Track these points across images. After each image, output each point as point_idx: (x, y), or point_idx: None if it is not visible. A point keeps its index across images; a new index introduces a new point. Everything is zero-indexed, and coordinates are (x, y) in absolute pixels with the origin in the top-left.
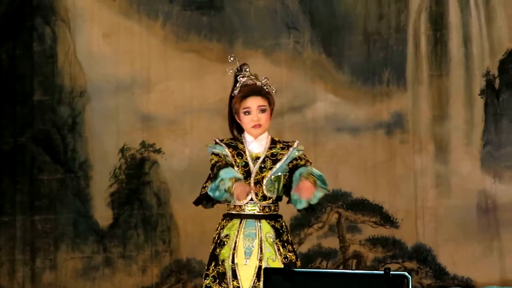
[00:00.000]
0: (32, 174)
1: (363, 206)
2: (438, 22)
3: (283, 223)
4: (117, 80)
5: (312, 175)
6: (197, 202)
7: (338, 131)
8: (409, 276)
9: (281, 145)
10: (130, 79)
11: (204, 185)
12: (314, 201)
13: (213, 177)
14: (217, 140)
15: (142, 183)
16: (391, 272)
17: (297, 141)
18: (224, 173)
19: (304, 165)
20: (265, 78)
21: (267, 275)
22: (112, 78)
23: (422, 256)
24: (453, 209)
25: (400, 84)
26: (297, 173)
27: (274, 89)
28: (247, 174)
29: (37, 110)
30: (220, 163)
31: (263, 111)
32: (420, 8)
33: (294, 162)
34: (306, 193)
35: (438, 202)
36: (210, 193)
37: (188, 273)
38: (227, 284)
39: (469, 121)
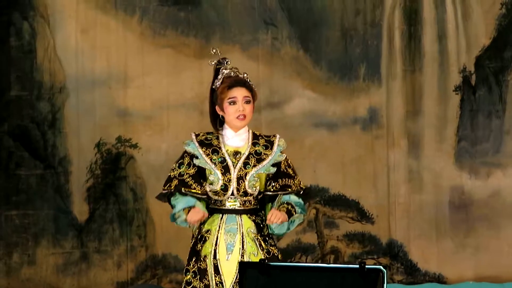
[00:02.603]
0: (9, 169)
1: (340, 202)
2: (412, 18)
3: (264, 218)
4: (94, 75)
5: (292, 204)
6: (158, 198)
7: (315, 127)
8: (384, 270)
9: (264, 142)
10: (107, 74)
11: (166, 184)
12: (279, 231)
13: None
14: (193, 137)
15: (118, 178)
16: (366, 266)
17: (278, 136)
18: (177, 205)
19: (285, 188)
20: (244, 73)
21: (242, 269)
22: (89, 73)
23: (394, 252)
24: (425, 205)
25: (375, 80)
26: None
27: (253, 85)
28: (225, 170)
29: (14, 105)
30: (171, 188)
31: (247, 102)
32: (395, 3)
33: (278, 169)
34: (275, 219)
35: (410, 198)
36: (172, 221)
37: (164, 268)
38: (208, 280)
39: (442, 117)
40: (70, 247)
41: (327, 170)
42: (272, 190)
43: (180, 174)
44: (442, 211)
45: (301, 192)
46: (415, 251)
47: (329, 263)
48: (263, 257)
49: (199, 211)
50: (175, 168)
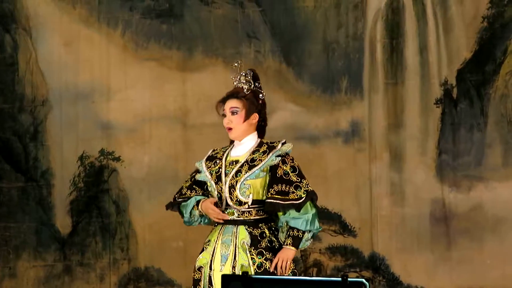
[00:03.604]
0: None
1: (323, 215)
2: (394, 31)
3: (266, 230)
4: (77, 88)
5: (295, 228)
6: (167, 207)
7: (298, 140)
8: (366, 283)
9: (265, 148)
10: (90, 88)
11: (176, 194)
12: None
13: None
14: (210, 151)
15: (100, 190)
16: (348, 279)
17: (283, 141)
18: (186, 208)
19: (286, 204)
20: (258, 82)
21: (225, 282)
22: (72, 86)
23: (376, 265)
24: (407, 218)
25: (357, 93)
26: (283, 222)
27: (263, 95)
28: (217, 179)
29: None
30: (176, 196)
31: (233, 113)
32: (377, 16)
33: (273, 174)
34: (282, 264)
35: (392, 211)
36: (189, 225)
37: (146, 281)
38: None
39: (424, 130)
40: (53, 260)
41: (310, 183)
42: (268, 196)
43: (182, 187)
44: (423, 224)
45: (302, 201)
46: (397, 264)
47: (312, 276)
48: (252, 271)
49: (206, 200)
50: (186, 180)
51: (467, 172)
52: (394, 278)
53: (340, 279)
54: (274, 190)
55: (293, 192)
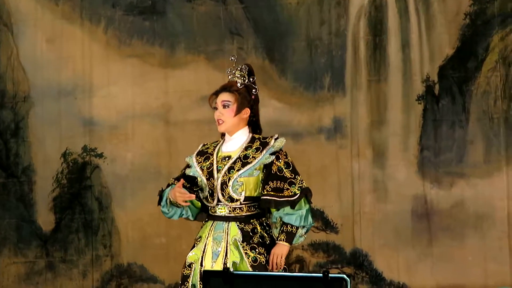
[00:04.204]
0: None
1: None
2: (377, 28)
3: (258, 225)
4: (59, 85)
5: (289, 224)
6: (158, 203)
7: (280, 136)
8: (347, 278)
9: (258, 144)
10: (73, 84)
11: (167, 186)
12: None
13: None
14: (200, 146)
15: (83, 187)
16: (329, 275)
17: (275, 136)
18: (164, 199)
19: (279, 200)
20: (252, 77)
21: (206, 277)
22: (54, 83)
23: (359, 261)
24: (390, 214)
25: (339, 89)
26: (277, 218)
27: (256, 90)
28: (209, 175)
29: None
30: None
31: (225, 106)
32: (360, 13)
33: (268, 172)
34: (275, 259)
35: (375, 207)
36: (167, 215)
37: (129, 278)
38: (186, 287)
39: (406, 126)
40: (34, 257)
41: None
42: (263, 193)
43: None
44: (405, 221)
45: (296, 198)
46: (380, 261)
47: (294, 272)
48: (248, 265)
49: (176, 186)
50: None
51: (449, 168)
52: (377, 274)
53: (321, 275)
54: (270, 187)
55: (287, 189)
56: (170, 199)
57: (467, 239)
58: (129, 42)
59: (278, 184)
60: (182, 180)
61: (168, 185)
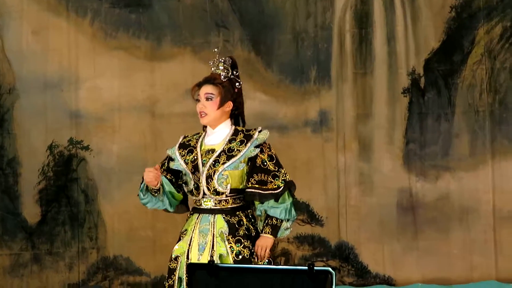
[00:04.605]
0: None
1: None
2: (363, 20)
3: (243, 217)
4: (45, 77)
5: (274, 217)
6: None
7: (267, 129)
8: (332, 271)
9: (242, 137)
10: (59, 77)
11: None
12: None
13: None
14: (180, 139)
15: (69, 180)
16: (315, 268)
17: (259, 128)
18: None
19: (264, 194)
20: (236, 70)
21: (191, 270)
22: (40, 75)
23: (345, 254)
24: (376, 207)
25: (325, 82)
26: (261, 210)
27: (240, 83)
28: (195, 169)
29: None
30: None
31: (208, 99)
32: (346, 6)
33: (253, 165)
34: (261, 252)
35: (361, 200)
36: (145, 204)
37: (115, 270)
38: (173, 281)
39: (391, 119)
40: (19, 249)
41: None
42: (248, 186)
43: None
44: (391, 214)
45: (280, 191)
46: (366, 253)
47: (279, 265)
48: (231, 259)
49: (149, 168)
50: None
51: (434, 161)
52: (362, 267)
53: (306, 268)
54: (254, 180)
55: (271, 182)
56: (146, 185)
57: (453, 232)
58: (115, 34)
59: (262, 177)
60: (157, 165)
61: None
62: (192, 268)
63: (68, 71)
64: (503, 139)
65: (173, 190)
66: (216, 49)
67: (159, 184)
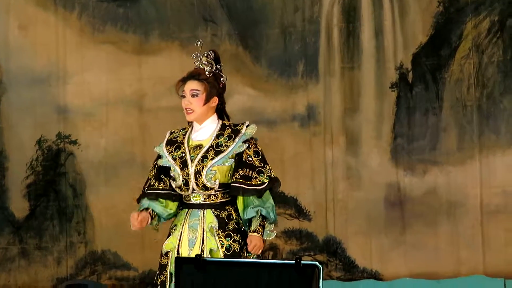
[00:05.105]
0: None
1: (279, 199)
2: (351, 15)
3: (233, 212)
4: (33, 72)
5: (261, 216)
6: (138, 201)
7: (255, 124)
8: (319, 266)
9: (229, 132)
10: (47, 71)
11: (145, 185)
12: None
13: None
14: (167, 135)
15: (57, 174)
16: (302, 262)
17: (246, 123)
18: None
19: (252, 189)
20: (219, 64)
21: (178, 264)
22: (28, 69)
23: (332, 248)
24: (363, 201)
25: (313, 77)
26: (249, 211)
27: (224, 78)
28: (183, 165)
29: None
30: (146, 188)
31: (193, 95)
32: (333, 0)
33: (239, 159)
34: (256, 251)
35: (348, 195)
36: None
37: (103, 265)
38: (165, 277)
39: (379, 114)
40: (6, 243)
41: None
42: (233, 180)
43: (149, 178)
44: (379, 208)
45: (264, 187)
46: (353, 248)
47: (267, 259)
48: (221, 253)
49: (133, 215)
50: (151, 170)
51: (422, 156)
52: (350, 262)
53: (293, 262)
54: (239, 174)
55: (255, 178)
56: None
57: (440, 227)
58: (102, 28)
59: (247, 172)
60: (143, 216)
61: (149, 184)
62: (179, 262)
63: (56, 65)
64: (491, 133)
65: (161, 210)
66: (198, 43)
67: (149, 222)
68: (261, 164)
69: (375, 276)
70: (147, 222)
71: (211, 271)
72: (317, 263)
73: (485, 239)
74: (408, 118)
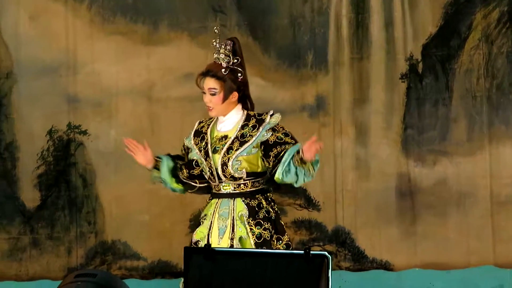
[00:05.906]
0: None
1: (288, 189)
2: (360, 5)
3: (263, 200)
4: (43, 62)
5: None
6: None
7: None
8: (329, 256)
9: (254, 122)
10: (57, 62)
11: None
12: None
13: None
14: (195, 126)
15: (68, 164)
16: (311, 252)
17: (270, 112)
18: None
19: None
20: (237, 58)
21: (187, 254)
22: (38, 60)
23: (341, 239)
24: (372, 192)
25: (322, 67)
26: (287, 155)
27: (241, 73)
28: (206, 156)
29: None
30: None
31: (212, 94)
32: None
33: (266, 145)
34: (311, 153)
35: (357, 185)
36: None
37: (113, 255)
38: None
39: (389, 105)
40: (17, 233)
41: None
42: (270, 166)
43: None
44: (388, 199)
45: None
46: (363, 238)
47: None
48: (252, 242)
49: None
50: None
51: (432, 146)
52: (359, 252)
53: (302, 252)
54: (273, 156)
55: (287, 144)
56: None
57: (450, 217)
58: (112, 19)
59: (279, 149)
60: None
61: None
62: (189, 252)
63: (65, 56)
64: (501, 124)
65: (168, 179)
66: (216, 30)
67: (151, 165)
68: (292, 141)
69: (385, 266)
70: (151, 161)
71: (219, 261)
72: (326, 253)
73: (495, 229)
74: (418, 109)
